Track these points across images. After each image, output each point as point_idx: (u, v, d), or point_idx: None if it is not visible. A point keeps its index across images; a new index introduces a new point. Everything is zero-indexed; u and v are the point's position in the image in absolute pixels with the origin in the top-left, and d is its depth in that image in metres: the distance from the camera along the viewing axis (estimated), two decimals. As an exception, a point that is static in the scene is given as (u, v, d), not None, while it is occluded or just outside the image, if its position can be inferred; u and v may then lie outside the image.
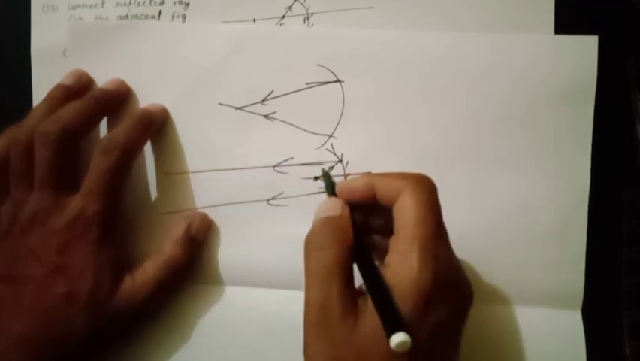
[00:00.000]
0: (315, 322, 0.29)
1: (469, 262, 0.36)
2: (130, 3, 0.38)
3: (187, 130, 0.38)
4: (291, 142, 0.37)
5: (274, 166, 0.37)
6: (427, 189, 0.30)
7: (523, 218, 0.36)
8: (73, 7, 0.39)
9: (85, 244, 0.33)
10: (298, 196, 0.37)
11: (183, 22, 0.39)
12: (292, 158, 0.37)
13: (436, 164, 0.37)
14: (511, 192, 0.36)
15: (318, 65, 0.37)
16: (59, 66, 0.38)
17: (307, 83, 0.37)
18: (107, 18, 0.39)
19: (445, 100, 0.37)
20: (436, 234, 0.29)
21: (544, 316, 0.36)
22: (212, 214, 0.38)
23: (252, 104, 0.37)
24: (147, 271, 0.35)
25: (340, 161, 0.37)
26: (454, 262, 0.30)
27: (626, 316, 0.36)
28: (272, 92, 0.37)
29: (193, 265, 0.37)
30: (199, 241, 0.37)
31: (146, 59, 0.38)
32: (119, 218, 0.35)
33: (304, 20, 0.38)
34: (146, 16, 0.39)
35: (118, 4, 0.38)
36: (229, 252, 0.38)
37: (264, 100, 0.37)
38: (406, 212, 0.29)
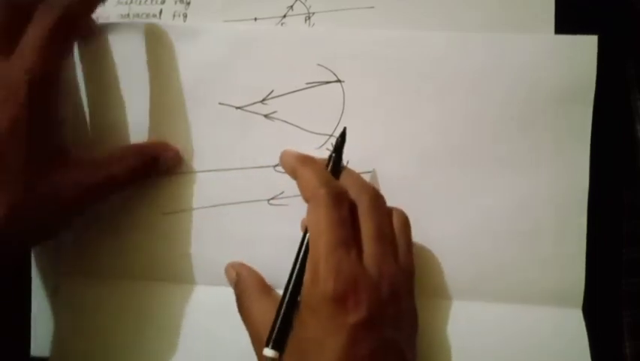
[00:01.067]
0: None
1: (469, 261, 0.36)
2: (131, 2, 0.38)
3: (187, 130, 0.38)
4: (292, 142, 0.37)
5: (274, 166, 0.37)
6: (325, 205, 0.31)
7: (523, 218, 0.36)
8: (74, 6, 0.38)
9: (11, 106, 0.31)
10: (299, 196, 0.37)
11: (184, 21, 0.39)
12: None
13: (436, 164, 0.37)
14: (511, 192, 0.36)
15: (319, 64, 0.37)
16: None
17: (307, 83, 0.37)
18: (107, 17, 0.39)
19: (445, 100, 0.37)
20: (336, 246, 0.30)
21: (546, 314, 0.36)
22: (212, 214, 0.38)
23: (252, 104, 0.37)
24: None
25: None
26: (371, 269, 0.31)
27: (626, 316, 0.36)
28: (272, 91, 0.37)
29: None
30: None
31: (146, 58, 0.38)
32: (60, 93, 0.33)
33: (305, 20, 0.38)
34: (147, 15, 0.39)
35: (119, 2, 0.38)
36: (229, 252, 0.37)
37: (264, 100, 0.37)
38: (310, 230, 0.31)
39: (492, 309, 0.36)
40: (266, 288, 0.36)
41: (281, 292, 0.35)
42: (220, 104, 0.37)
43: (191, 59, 0.37)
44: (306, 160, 0.34)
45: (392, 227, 0.34)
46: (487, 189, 0.37)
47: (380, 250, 0.31)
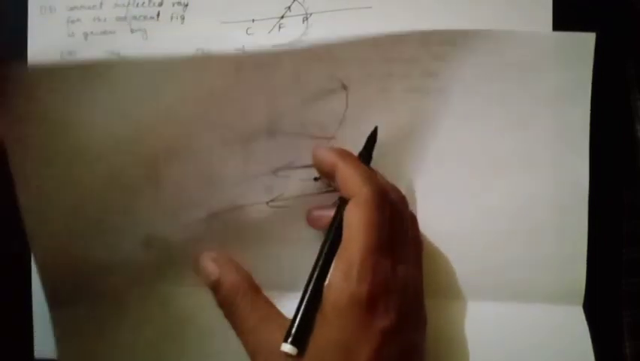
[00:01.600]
0: None
1: (470, 261, 0.37)
2: (128, 4, 0.38)
3: (190, 164, 0.37)
4: (291, 144, 0.37)
5: (273, 171, 0.37)
6: (370, 205, 0.30)
7: (524, 218, 0.36)
8: (71, 9, 0.38)
9: None
10: (298, 197, 0.37)
11: (182, 23, 0.38)
12: (292, 160, 0.37)
13: (437, 164, 0.37)
14: (512, 192, 0.36)
15: (322, 73, 0.36)
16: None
17: (310, 92, 0.37)
18: (105, 19, 0.38)
19: (445, 99, 0.36)
20: (375, 249, 0.30)
21: (547, 312, 0.36)
22: (211, 217, 0.38)
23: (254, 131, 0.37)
24: None
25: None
26: (399, 273, 0.31)
27: (626, 316, 0.36)
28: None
29: None
30: None
31: (150, 89, 0.36)
32: None
33: (303, 20, 0.38)
34: (144, 17, 0.38)
35: (116, 5, 0.38)
36: (229, 254, 0.37)
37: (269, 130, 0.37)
38: (349, 228, 0.30)
39: (493, 308, 0.37)
40: (257, 288, 0.34)
41: (281, 293, 0.35)
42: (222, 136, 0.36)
43: (186, 90, 0.36)
44: (347, 154, 0.34)
45: (415, 230, 0.34)
46: (487, 189, 0.37)
47: (406, 254, 0.32)
